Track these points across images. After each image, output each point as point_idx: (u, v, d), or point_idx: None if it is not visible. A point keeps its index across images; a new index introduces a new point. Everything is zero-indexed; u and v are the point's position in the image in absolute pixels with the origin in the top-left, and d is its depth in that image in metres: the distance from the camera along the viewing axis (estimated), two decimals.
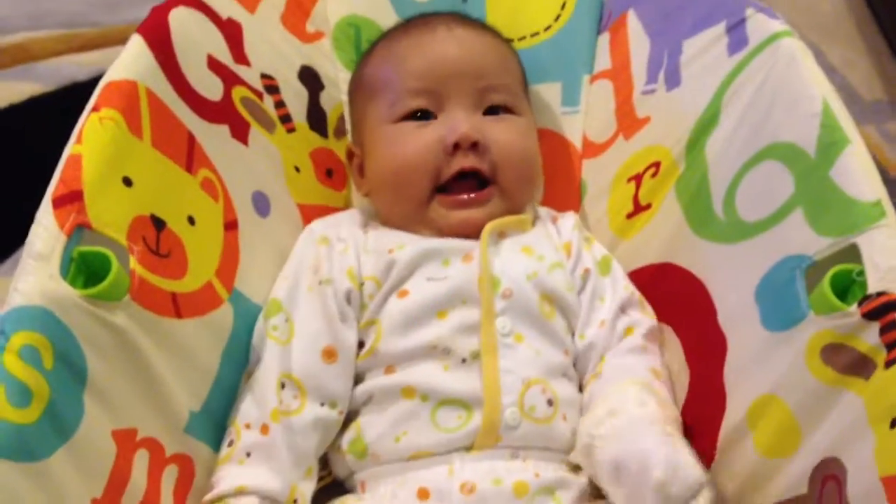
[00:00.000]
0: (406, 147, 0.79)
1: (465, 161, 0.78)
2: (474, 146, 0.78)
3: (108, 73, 0.69)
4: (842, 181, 0.61)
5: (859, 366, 0.56)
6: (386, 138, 0.81)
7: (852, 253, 0.59)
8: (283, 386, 0.71)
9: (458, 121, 0.79)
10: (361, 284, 0.76)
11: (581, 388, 0.77)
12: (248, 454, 0.69)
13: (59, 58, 1.27)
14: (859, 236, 0.58)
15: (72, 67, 1.25)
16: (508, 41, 0.90)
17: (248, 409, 0.71)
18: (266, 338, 0.74)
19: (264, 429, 0.70)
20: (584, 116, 0.93)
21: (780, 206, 0.66)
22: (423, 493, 0.68)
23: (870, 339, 0.55)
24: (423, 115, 0.81)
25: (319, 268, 0.77)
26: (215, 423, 0.71)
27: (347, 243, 0.79)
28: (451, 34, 0.83)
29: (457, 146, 0.78)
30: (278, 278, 0.78)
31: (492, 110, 0.82)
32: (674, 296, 0.76)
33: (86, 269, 0.59)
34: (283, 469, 0.69)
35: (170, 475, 0.65)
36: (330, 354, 0.73)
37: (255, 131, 0.82)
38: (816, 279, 0.60)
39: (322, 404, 0.72)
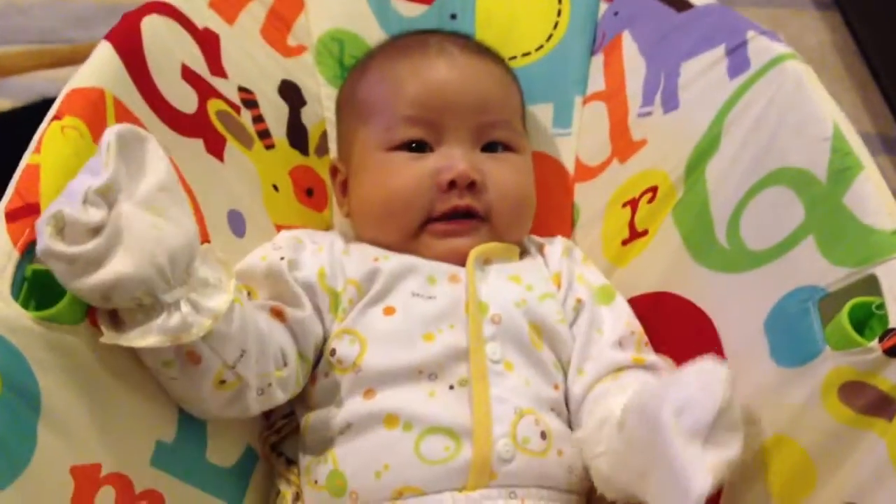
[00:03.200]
0: (398, 179, 0.76)
1: (461, 200, 0.75)
2: (471, 185, 0.75)
3: (73, 79, 0.65)
4: (857, 208, 0.59)
5: (881, 406, 0.52)
6: (377, 166, 0.78)
7: (871, 284, 0.55)
8: None
9: (456, 158, 0.75)
10: (336, 290, 0.72)
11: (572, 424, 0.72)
12: None
13: (31, 73, 1.26)
14: (878, 267, 0.55)
15: (43, 83, 1.23)
16: (508, 66, 0.87)
17: None
18: None
19: None
20: (576, 139, 0.90)
21: (789, 233, 0.63)
22: None
23: (892, 376, 0.52)
24: (418, 147, 0.77)
25: (282, 249, 0.73)
26: (192, 451, 0.65)
27: (321, 245, 0.76)
28: (454, 60, 0.79)
29: (452, 184, 0.75)
30: None
31: (490, 146, 0.79)
32: (673, 326, 0.72)
33: (40, 290, 0.54)
34: None
35: None
36: (278, 313, 0.69)
37: (232, 147, 0.78)
38: (832, 312, 0.56)
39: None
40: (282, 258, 0.72)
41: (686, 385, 0.56)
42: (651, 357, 0.73)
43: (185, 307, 0.55)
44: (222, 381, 0.61)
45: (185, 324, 0.55)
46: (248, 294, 0.70)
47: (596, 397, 0.70)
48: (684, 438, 0.53)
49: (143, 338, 0.54)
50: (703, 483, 0.52)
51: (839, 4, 1.49)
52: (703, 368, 0.57)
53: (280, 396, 0.67)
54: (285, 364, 0.67)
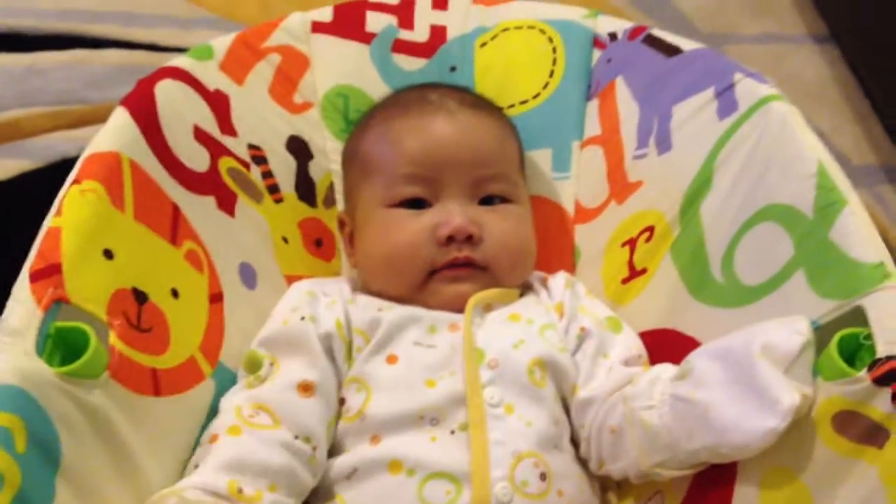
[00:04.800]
0: (399, 236, 0.78)
1: (459, 253, 0.77)
2: (469, 238, 0.77)
3: (91, 144, 0.68)
4: (842, 243, 0.60)
5: (872, 434, 0.54)
6: (379, 223, 0.80)
7: (858, 316, 0.57)
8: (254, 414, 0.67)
9: (453, 213, 0.77)
10: (350, 340, 0.75)
11: (581, 448, 0.74)
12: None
13: (49, 134, 1.27)
14: (864, 298, 0.57)
15: (62, 144, 1.25)
16: (505, 116, 0.90)
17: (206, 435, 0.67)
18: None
19: (233, 430, 0.65)
20: (575, 182, 0.92)
21: (780, 268, 0.65)
22: None
23: (882, 405, 0.53)
24: (417, 203, 0.80)
25: (300, 308, 0.75)
26: None
27: (333, 297, 0.78)
28: (451, 117, 0.82)
29: (451, 238, 0.77)
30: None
31: (488, 199, 0.81)
32: (677, 362, 0.73)
33: (63, 346, 0.57)
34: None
35: None
36: (306, 388, 0.70)
37: (242, 202, 0.81)
38: (823, 344, 0.58)
39: (296, 437, 0.67)
40: (302, 318, 0.74)
41: (769, 328, 0.60)
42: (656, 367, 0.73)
43: None
44: None
45: None
46: (272, 364, 0.72)
47: (630, 392, 0.70)
48: (770, 365, 0.57)
49: None
50: (791, 397, 0.56)
51: (837, 38, 1.50)
52: (785, 319, 0.60)
53: (311, 481, 0.68)
54: (315, 447, 0.68)
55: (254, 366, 0.72)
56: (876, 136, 1.39)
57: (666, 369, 0.69)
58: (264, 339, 0.74)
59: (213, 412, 0.70)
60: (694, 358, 0.65)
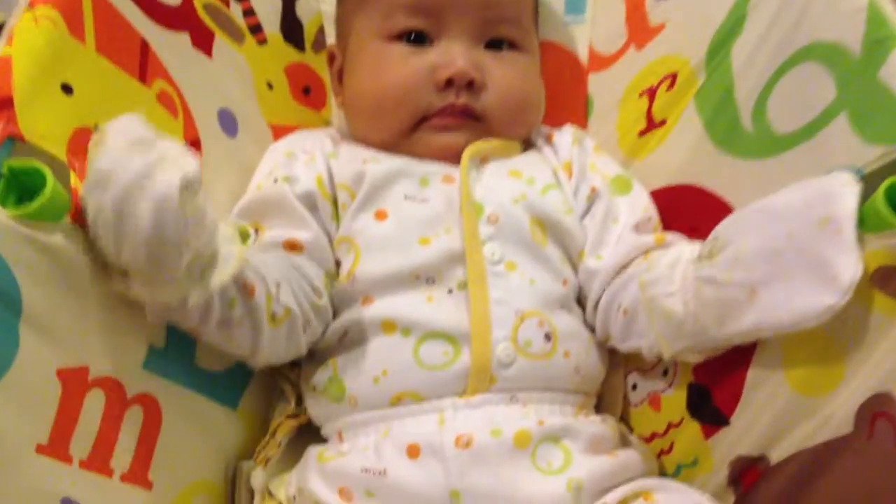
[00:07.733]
0: (393, 74, 0.72)
1: (457, 99, 0.71)
2: (470, 84, 0.71)
3: None
4: (893, 82, 0.54)
5: None
6: (372, 57, 0.74)
7: None
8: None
9: (455, 55, 0.71)
10: (334, 196, 0.70)
11: (586, 315, 0.70)
12: None
13: None
14: None
15: None
16: None
17: None
18: None
19: None
20: (590, 26, 0.86)
21: (819, 112, 0.59)
22: (413, 450, 0.61)
23: None
24: (417, 38, 0.73)
25: (274, 171, 0.71)
26: (182, 356, 0.63)
27: (313, 153, 0.72)
28: None
29: (450, 82, 0.70)
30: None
31: (495, 43, 0.74)
32: (697, 221, 0.68)
33: (18, 187, 0.51)
34: None
35: (133, 418, 0.58)
36: (293, 246, 0.67)
37: (221, 42, 0.75)
38: (867, 193, 0.52)
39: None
40: (275, 180, 0.69)
41: (811, 186, 0.54)
42: (669, 235, 0.69)
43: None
44: (274, 316, 0.60)
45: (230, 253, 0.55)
46: (256, 231, 0.68)
47: (644, 268, 0.65)
48: (830, 233, 0.51)
49: (222, 274, 0.54)
50: (853, 271, 0.50)
51: None
52: (823, 178, 0.54)
53: (319, 329, 0.66)
54: (319, 296, 0.66)
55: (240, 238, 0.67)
56: None
57: (685, 248, 0.63)
58: (241, 208, 0.70)
59: None
60: (726, 231, 0.58)
